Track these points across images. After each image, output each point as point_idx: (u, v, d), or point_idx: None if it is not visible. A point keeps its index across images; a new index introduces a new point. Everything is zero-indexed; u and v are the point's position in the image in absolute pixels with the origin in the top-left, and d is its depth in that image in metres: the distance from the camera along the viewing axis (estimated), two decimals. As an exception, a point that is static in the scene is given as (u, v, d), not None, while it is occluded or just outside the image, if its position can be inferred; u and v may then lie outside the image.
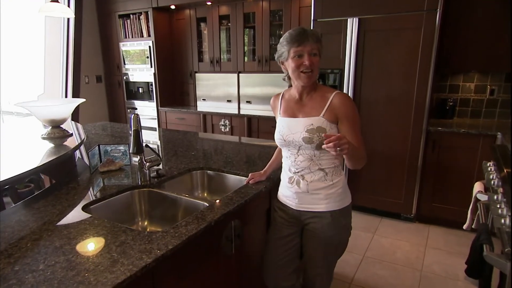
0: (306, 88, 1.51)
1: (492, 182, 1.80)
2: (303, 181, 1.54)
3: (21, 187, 1.72)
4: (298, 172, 1.55)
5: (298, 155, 1.53)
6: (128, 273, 1.01)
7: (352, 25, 3.05)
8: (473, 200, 2.06)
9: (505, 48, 2.79)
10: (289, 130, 1.51)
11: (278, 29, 3.98)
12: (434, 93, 3.23)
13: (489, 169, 1.98)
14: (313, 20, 3.20)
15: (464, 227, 2.16)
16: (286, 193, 1.64)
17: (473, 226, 2.09)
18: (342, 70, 3.20)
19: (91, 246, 1.19)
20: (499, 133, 2.66)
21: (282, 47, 1.46)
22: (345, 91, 3.21)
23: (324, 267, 1.67)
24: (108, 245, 1.17)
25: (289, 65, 1.46)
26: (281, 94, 1.65)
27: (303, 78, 1.45)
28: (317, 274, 1.68)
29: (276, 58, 1.54)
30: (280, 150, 1.72)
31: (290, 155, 1.56)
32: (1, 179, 1.45)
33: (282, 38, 1.48)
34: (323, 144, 1.28)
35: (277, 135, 1.58)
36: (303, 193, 1.56)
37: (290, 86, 1.59)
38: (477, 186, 2.10)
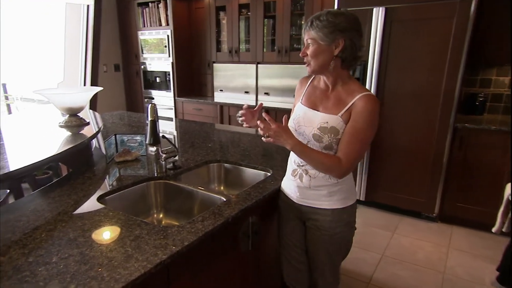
0: (330, 78, 1.42)
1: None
2: (306, 176, 1.49)
3: (39, 174, 1.73)
4: (302, 165, 1.49)
5: None
6: (143, 270, 0.99)
7: (378, 14, 2.97)
8: (504, 202, 1.96)
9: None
10: (304, 121, 1.45)
11: (299, 18, 3.89)
12: (463, 88, 3.10)
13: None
14: (337, 9, 3.12)
15: (494, 230, 2.07)
16: (289, 186, 1.58)
17: (503, 229, 2.00)
18: (366, 62, 3.12)
19: (105, 239, 1.17)
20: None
21: None
22: (368, 83, 3.14)
23: (326, 266, 1.61)
24: (122, 239, 1.15)
25: None
26: (312, 78, 1.56)
27: (308, 68, 1.40)
28: (320, 274, 1.63)
29: None
30: None
31: None
32: (19, 167, 1.45)
33: None
34: (333, 145, 1.35)
35: (290, 122, 1.51)
36: (305, 187, 1.50)
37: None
38: (509, 187, 1.99)
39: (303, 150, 1.37)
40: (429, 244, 2.84)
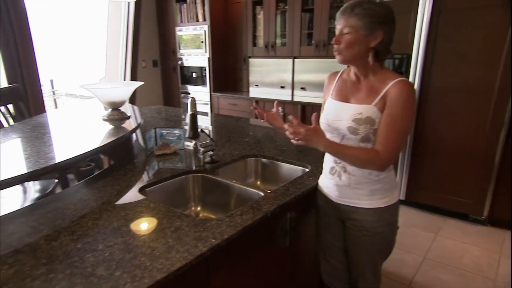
0: (362, 70, 1.38)
1: None
2: (345, 174, 1.45)
3: (83, 165, 1.81)
4: (340, 163, 1.46)
5: (342, 143, 1.43)
6: (184, 261, 1.01)
7: (425, 3, 2.86)
8: None
9: None
10: (336, 115, 1.41)
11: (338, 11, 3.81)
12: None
13: None
14: None
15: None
16: (327, 184, 1.56)
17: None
18: (410, 55, 3.03)
19: (147, 229, 1.22)
20: None
21: None
22: (411, 77, 3.04)
23: (366, 267, 1.58)
24: (163, 230, 1.19)
25: None
26: (340, 72, 1.55)
27: (337, 57, 1.36)
28: (359, 274, 1.61)
29: None
30: None
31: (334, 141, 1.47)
32: (65, 158, 1.53)
33: None
34: (371, 136, 1.31)
35: (322, 119, 1.49)
36: (344, 186, 1.46)
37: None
38: None
39: (337, 150, 1.35)
40: (477, 249, 2.72)
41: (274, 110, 1.70)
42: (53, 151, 1.65)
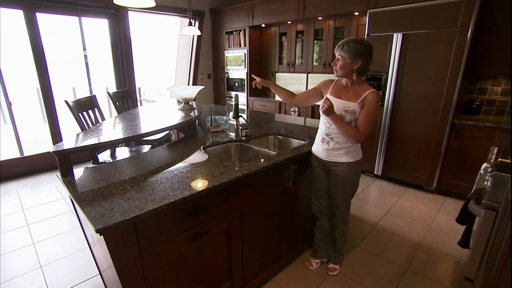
0: (349, 80, 1.64)
1: (492, 161, 1.84)
2: (331, 142, 1.71)
3: (164, 138, 2.16)
4: (329, 135, 1.71)
5: (332, 124, 1.68)
6: (229, 178, 1.39)
7: (397, 39, 3.03)
8: (478, 175, 2.06)
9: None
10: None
11: (340, 41, 4.02)
12: (463, 94, 3.08)
13: (494, 151, 1.99)
14: (367, 34, 3.24)
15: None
16: (318, 149, 1.80)
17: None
18: (387, 73, 3.19)
19: (208, 166, 1.58)
20: (514, 126, 2.52)
21: None
22: (388, 89, 3.20)
23: (341, 201, 1.79)
24: (218, 166, 1.56)
25: None
26: (335, 80, 1.77)
27: (335, 73, 1.65)
28: (337, 206, 1.83)
29: None
30: (289, 94, 1.92)
31: (327, 122, 1.71)
32: (156, 128, 1.92)
33: None
34: (352, 122, 1.59)
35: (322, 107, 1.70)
36: (330, 149, 1.72)
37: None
38: (483, 166, 2.09)
39: (338, 120, 1.62)
40: (424, 208, 2.90)
41: (258, 79, 1.97)
42: (149, 125, 2.04)
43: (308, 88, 4.46)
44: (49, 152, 1.39)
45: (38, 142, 4.79)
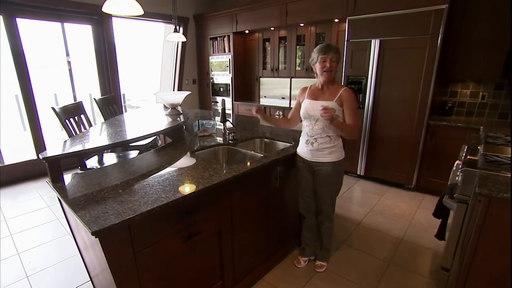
0: (326, 82, 1.75)
1: (462, 158, 1.98)
2: (315, 143, 1.79)
3: (150, 144, 2.20)
4: (313, 136, 1.80)
5: (315, 125, 1.77)
6: (219, 180, 1.44)
7: (375, 44, 3.17)
8: (451, 172, 2.20)
9: (494, 63, 2.78)
10: (312, 107, 1.76)
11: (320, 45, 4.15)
12: (437, 97, 3.25)
13: (464, 149, 2.13)
14: (347, 40, 3.36)
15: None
16: (303, 150, 1.87)
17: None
18: (367, 77, 3.32)
19: (197, 169, 1.63)
20: (481, 127, 2.69)
21: (314, 54, 1.73)
22: (367, 92, 3.33)
23: (327, 199, 1.87)
24: (207, 169, 1.61)
25: (317, 66, 1.73)
26: (309, 86, 1.88)
27: (325, 75, 1.72)
28: (323, 204, 1.91)
29: (310, 61, 1.79)
30: (285, 120, 1.99)
31: (309, 124, 1.80)
32: (146, 133, 1.96)
33: (314, 49, 1.74)
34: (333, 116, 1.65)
35: (302, 110, 1.82)
36: (314, 150, 1.80)
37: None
38: (456, 163, 2.23)
39: (339, 122, 1.70)
40: (405, 205, 3.03)
41: (260, 116, 1.92)
42: (138, 130, 2.08)
43: (292, 101, 4.84)
44: (32, 160, 1.40)
45: (19, 151, 4.64)
